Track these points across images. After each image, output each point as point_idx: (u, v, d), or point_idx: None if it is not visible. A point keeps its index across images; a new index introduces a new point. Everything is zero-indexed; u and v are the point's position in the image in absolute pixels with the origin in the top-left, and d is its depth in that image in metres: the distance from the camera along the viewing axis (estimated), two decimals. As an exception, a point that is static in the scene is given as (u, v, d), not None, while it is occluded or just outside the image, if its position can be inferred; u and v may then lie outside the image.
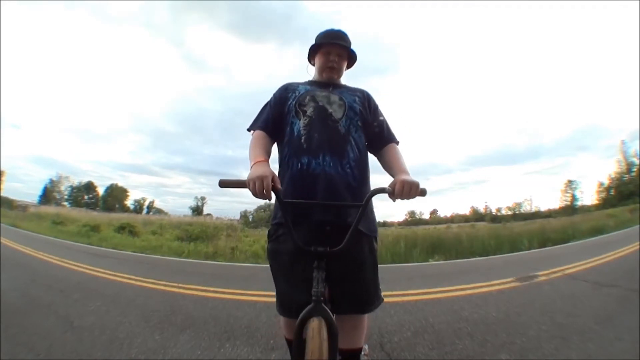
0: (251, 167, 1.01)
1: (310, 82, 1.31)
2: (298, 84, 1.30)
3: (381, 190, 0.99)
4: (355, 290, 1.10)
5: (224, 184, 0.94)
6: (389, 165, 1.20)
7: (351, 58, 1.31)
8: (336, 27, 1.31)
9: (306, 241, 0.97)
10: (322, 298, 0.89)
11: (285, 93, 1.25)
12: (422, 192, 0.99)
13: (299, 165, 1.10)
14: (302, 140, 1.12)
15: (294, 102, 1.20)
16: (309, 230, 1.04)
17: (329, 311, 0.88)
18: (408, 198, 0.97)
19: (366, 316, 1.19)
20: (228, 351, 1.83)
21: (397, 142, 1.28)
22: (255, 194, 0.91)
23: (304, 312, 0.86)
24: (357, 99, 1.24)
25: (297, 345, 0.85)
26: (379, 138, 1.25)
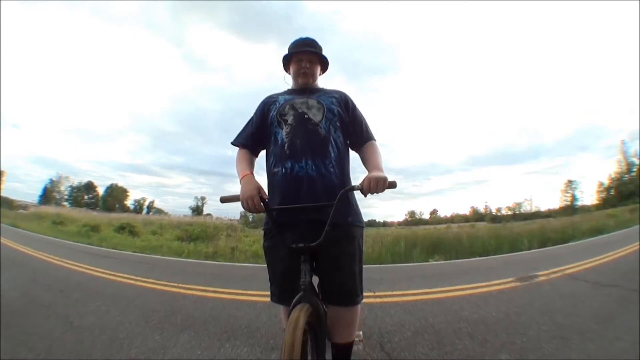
0: (240, 181, 1.17)
1: (289, 91, 1.40)
2: (278, 95, 1.38)
3: (352, 188, 1.11)
4: (343, 280, 1.18)
5: (224, 200, 1.14)
6: (366, 162, 1.30)
7: (323, 63, 1.40)
8: (305, 35, 1.40)
9: (297, 239, 1.07)
10: (309, 287, 1.01)
11: (266, 107, 1.34)
12: (392, 185, 1.08)
13: (284, 170, 1.20)
14: (286, 147, 1.22)
15: (275, 114, 1.29)
16: (299, 229, 1.14)
17: (317, 299, 1.00)
18: (377, 192, 1.08)
19: (359, 310, 1.28)
20: (228, 351, 1.83)
21: (375, 140, 1.38)
22: (250, 212, 1.12)
23: (294, 300, 0.98)
24: (334, 100, 1.33)
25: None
26: (358, 136, 1.35)
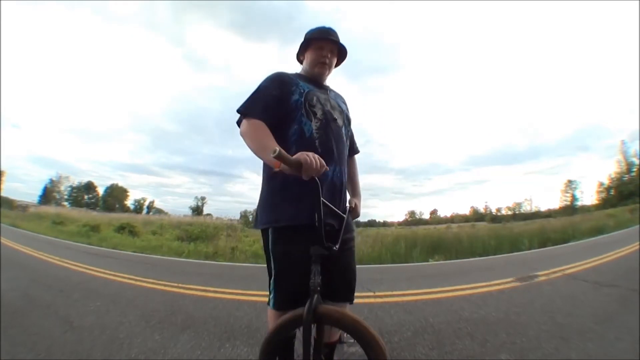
0: (277, 155, 0.89)
1: (304, 78, 1.27)
2: (295, 77, 1.24)
3: (350, 209, 1.27)
4: (352, 279, 1.24)
5: (279, 156, 0.85)
6: (352, 181, 1.39)
7: (341, 55, 1.32)
8: (331, 26, 1.29)
9: (310, 242, 1.03)
10: (319, 289, 1.00)
11: (286, 86, 1.18)
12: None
13: None
14: (317, 144, 1.14)
15: (302, 100, 1.17)
16: (312, 232, 1.07)
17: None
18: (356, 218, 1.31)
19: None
20: (228, 351, 1.83)
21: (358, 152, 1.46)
22: (312, 169, 0.90)
23: (313, 301, 0.96)
24: (345, 107, 1.32)
25: (307, 330, 0.94)
26: (351, 147, 1.36)
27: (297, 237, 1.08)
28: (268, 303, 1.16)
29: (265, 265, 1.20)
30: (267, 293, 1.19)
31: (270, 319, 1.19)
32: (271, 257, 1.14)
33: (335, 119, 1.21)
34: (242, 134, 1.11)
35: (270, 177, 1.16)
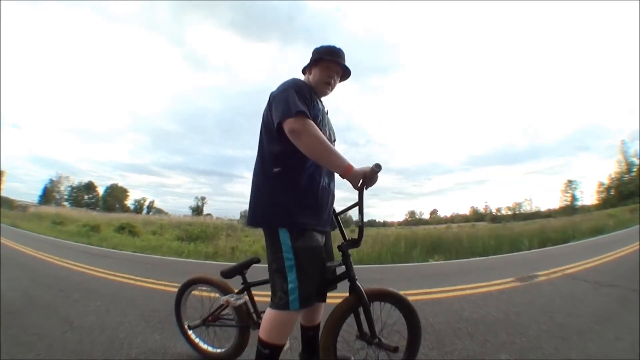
0: (351, 168, 1.12)
1: (314, 91, 1.29)
2: (310, 89, 1.27)
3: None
4: None
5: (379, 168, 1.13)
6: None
7: (344, 75, 1.38)
8: (338, 46, 1.34)
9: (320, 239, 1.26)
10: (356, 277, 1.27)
11: (313, 100, 1.23)
12: None
13: (322, 182, 1.24)
14: None
15: (321, 117, 1.26)
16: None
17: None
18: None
19: None
20: (228, 351, 1.82)
21: None
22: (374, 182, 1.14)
23: (361, 285, 1.25)
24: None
25: (368, 309, 1.24)
26: None
27: (315, 233, 1.21)
28: (280, 307, 1.12)
29: (269, 266, 1.20)
30: (266, 292, 1.19)
31: (283, 323, 1.14)
32: (292, 255, 1.13)
33: (335, 140, 1.38)
34: (305, 133, 1.08)
35: (282, 177, 1.18)
